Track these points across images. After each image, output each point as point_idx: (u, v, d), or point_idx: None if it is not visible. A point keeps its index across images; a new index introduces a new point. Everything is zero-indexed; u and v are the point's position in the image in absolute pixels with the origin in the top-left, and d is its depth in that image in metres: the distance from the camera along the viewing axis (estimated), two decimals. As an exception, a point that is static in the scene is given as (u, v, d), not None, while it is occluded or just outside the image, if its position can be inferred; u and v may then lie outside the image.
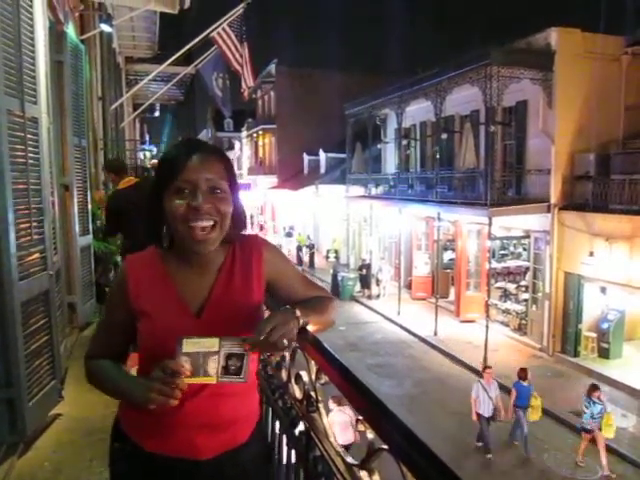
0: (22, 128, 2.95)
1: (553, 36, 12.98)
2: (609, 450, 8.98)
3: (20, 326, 2.81)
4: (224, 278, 1.40)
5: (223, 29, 10.07)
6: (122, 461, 1.47)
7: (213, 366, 1.25)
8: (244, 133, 45.13)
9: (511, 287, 15.82)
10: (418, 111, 18.31)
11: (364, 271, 20.26)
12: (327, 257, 27.21)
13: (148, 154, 21.99)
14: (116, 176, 5.30)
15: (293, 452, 1.61)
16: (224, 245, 1.40)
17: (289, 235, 31.38)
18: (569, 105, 12.82)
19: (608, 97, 12.67)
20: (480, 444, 9.36)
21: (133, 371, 1.52)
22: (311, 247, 26.97)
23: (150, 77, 11.28)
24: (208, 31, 10.08)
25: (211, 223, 1.29)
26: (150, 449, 1.39)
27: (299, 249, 26.45)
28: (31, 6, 3.17)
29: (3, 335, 2.73)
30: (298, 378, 1.63)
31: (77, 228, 5.04)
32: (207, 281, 1.39)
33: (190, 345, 1.25)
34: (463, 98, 15.37)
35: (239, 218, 1.40)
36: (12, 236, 2.72)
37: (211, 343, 1.26)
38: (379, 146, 22.85)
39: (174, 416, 1.35)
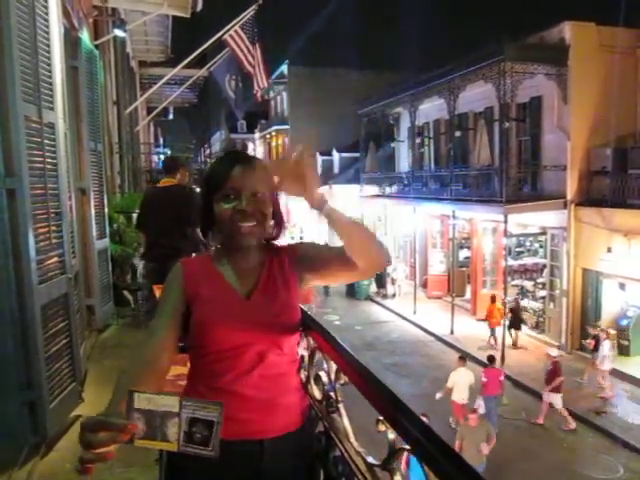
0: (39, 134, 2.99)
1: (567, 30, 12.84)
2: (629, 447, 8.92)
3: (40, 329, 2.84)
4: (267, 270, 1.59)
5: (235, 31, 10.12)
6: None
7: (174, 430, 1.07)
8: (257, 134, 45.20)
9: (528, 285, 15.66)
10: (431, 109, 18.22)
11: (379, 270, 20.16)
12: (342, 257, 27.15)
13: (162, 157, 22.22)
14: (162, 174, 5.39)
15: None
16: (264, 245, 1.62)
17: None
18: (584, 100, 12.67)
19: (624, 91, 12.46)
20: None
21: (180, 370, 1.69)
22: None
23: (164, 80, 11.36)
24: (220, 33, 10.14)
25: (254, 223, 1.49)
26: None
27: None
28: (47, 13, 3.21)
29: (24, 338, 2.76)
30: (317, 379, 1.62)
31: (94, 232, 5.10)
32: (252, 273, 1.58)
33: (144, 400, 1.07)
34: (476, 95, 15.26)
35: (278, 215, 1.61)
36: (31, 240, 2.75)
37: (169, 402, 1.08)
38: (392, 145, 22.79)
39: (241, 400, 1.43)
